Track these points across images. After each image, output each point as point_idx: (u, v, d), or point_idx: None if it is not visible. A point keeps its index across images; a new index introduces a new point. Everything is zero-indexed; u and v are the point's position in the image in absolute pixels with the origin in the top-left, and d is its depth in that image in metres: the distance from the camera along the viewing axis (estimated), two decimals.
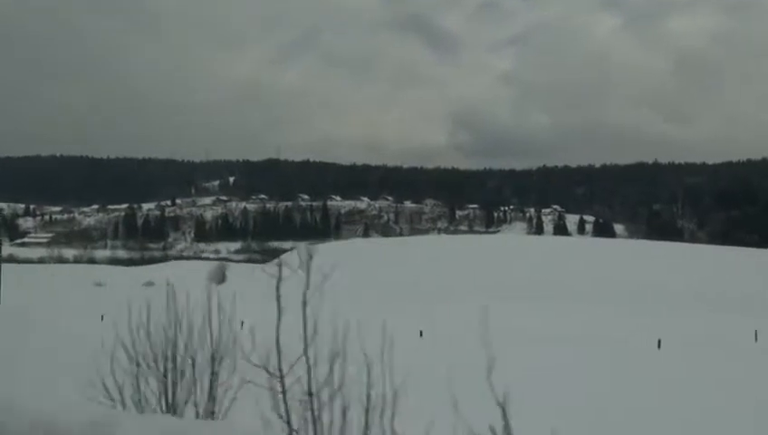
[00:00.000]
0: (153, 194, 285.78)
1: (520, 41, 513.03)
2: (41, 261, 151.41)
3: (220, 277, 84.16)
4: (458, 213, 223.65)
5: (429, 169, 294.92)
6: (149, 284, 72.41)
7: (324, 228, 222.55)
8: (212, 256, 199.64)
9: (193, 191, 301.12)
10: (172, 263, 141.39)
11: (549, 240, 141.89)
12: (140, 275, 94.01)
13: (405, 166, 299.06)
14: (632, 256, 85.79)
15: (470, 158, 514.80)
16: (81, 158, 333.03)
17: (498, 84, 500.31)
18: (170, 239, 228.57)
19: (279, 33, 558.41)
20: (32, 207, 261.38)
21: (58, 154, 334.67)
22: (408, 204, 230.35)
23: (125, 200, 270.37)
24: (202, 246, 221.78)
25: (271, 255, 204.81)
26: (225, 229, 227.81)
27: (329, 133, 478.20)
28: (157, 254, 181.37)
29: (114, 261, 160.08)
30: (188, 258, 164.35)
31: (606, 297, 57.97)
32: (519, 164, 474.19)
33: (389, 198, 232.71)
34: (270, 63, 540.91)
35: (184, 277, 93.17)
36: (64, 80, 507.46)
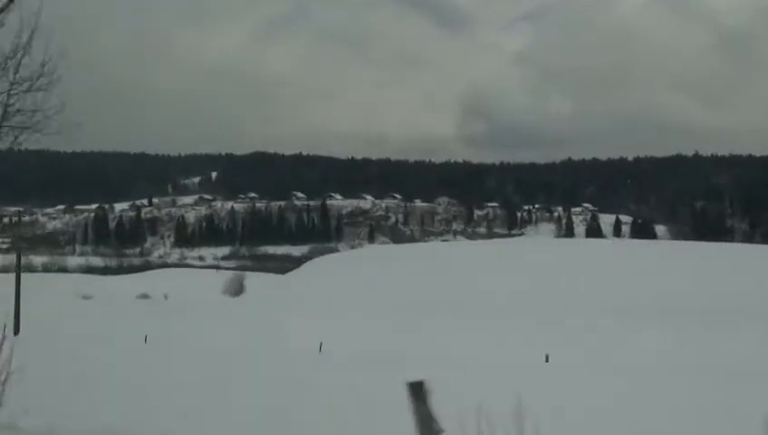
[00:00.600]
0: (125, 192, 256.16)
1: (536, 16, 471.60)
2: (4, 270, 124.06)
3: (237, 289, 70.79)
4: (477, 213, 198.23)
5: (438, 163, 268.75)
6: (144, 296, 68.27)
7: (324, 231, 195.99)
8: (197, 262, 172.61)
9: (170, 189, 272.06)
10: (159, 272, 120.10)
11: (617, 245, 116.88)
12: (127, 285, 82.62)
13: (411, 159, 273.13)
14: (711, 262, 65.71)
15: (482, 150, 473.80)
16: (40, 151, 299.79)
17: (512, 66, 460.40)
18: (147, 244, 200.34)
19: (261, 7, 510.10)
20: None
21: (15, 148, 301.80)
22: (418, 203, 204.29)
23: (93, 200, 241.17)
24: (184, 251, 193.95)
25: (262, 260, 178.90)
26: (209, 233, 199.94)
27: (321, 123, 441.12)
28: (135, 261, 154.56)
29: (90, 269, 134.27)
30: (176, 266, 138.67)
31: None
32: (538, 157, 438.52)
33: (397, 196, 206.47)
34: (251, 43, 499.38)
35: (182, 289, 72.79)
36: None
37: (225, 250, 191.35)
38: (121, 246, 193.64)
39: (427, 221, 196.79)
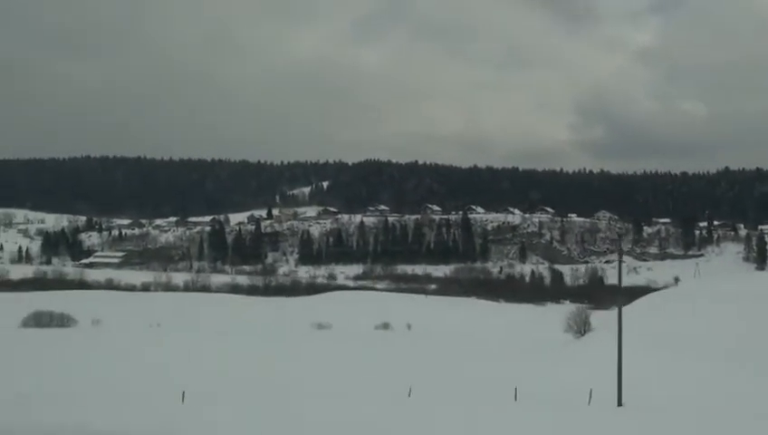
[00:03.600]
0: (227, 203, 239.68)
1: (666, 8, 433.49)
2: (144, 288, 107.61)
3: (581, 326, 50.66)
4: (646, 230, 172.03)
5: (572, 173, 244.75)
6: (384, 326, 59.29)
7: (467, 250, 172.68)
8: (345, 282, 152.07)
9: (278, 199, 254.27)
10: (337, 295, 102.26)
11: None
12: (301, 310, 70.42)
13: (539, 168, 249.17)
14: None
15: (602, 158, 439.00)
16: (134, 160, 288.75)
17: (637, 64, 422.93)
18: (269, 260, 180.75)
19: (356, 3, 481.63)
20: (94, 219, 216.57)
21: (109, 155, 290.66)
22: (573, 218, 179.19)
23: (194, 209, 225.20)
24: (310, 269, 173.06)
25: (401, 281, 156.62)
26: (337, 249, 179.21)
27: (419, 127, 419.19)
28: (281, 281, 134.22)
29: (235, 289, 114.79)
30: (346, 288, 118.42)
31: None
32: (664, 166, 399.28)
33: (549, 209, 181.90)
34: (344, 42, 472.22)
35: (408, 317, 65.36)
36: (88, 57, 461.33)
37: (355, 268, 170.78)
38: (242, 261, 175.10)
39: (587, 239, 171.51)
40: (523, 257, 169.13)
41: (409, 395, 22.68)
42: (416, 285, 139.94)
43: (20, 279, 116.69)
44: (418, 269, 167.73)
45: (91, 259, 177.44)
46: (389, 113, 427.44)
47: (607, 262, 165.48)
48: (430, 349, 40.49)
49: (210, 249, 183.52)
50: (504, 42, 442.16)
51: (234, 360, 31.68)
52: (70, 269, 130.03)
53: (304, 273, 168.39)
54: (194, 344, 36.00)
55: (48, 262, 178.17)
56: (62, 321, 53.27)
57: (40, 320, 52.71)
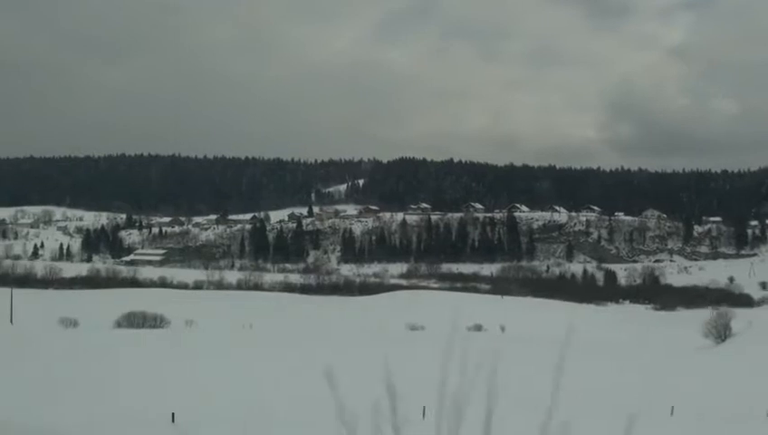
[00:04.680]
0: (263, 200, 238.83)
1: (699, 3, 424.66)
2: (197, 286, 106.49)
3: (722, 331, 46.22)
4: (696, 229, 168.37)
5: (611, 171, 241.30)
6: (476, 328, 57.03)
7: (512, 248, 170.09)
8: (382, 280, 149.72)
9: (313, 197, 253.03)
10: (395, 295, 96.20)
11: None
12: (380, 311, 69.48)
13: (575, 166, 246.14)
14: None
15: (632, 156, 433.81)
16: (168, 158, 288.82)
17: (669, 61, 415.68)
18: (311, 258, 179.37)
19: (387, 2, 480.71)
20: (133, 217, 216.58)
21: (144, 153, 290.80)
22: (620, 216, 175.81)
23: (229, 207, 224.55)
24: (353, 267, 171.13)
25: (448, 280, 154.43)
26: (379, 247, 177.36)
27: (448, 125, 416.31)
28: (333, 279, 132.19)
29: (288, 287, 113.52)
30: (399, 287, 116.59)
31: None
32: (696, 164, 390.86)
33: (595, 208, 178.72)
34: (373, 41, 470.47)
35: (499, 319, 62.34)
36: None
37: (399, 267, 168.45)
38: (283, 259, 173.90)
39: (636, 238, 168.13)
40: (570, 256, 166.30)
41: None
42: (465, 284, 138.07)
43: (72, 277, 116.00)
44: (463, 268, 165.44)
45: (131, 257, 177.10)
46: (419, 111, 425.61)
47: (656, 261, 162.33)
48: (557, 356, 37.94)
49: (252, 247, 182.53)
50: (534, 39, 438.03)
51: (407, 367, 29.62)
52: (122, 267, 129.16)
53: (347, 271, 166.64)
54: (340, 353, 33.25)
55: (89, 259, 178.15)
56: (154, 321, 51.76)
57: (133, 321, 51.26)
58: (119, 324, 50.63)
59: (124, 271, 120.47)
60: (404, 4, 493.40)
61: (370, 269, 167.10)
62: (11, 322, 49.41)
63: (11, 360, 25.02)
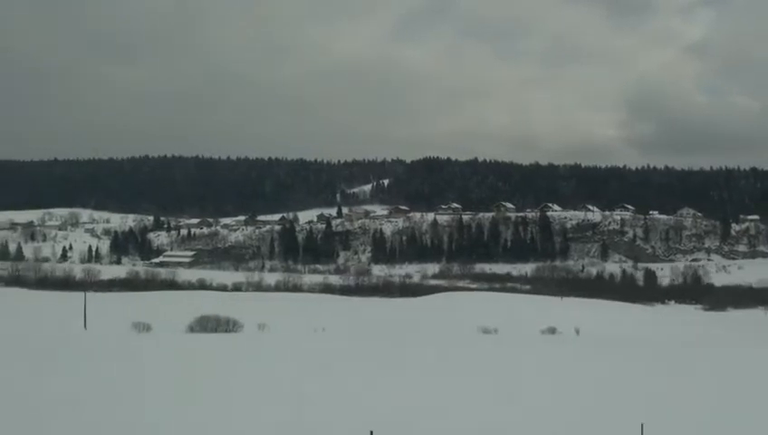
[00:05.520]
0: (288, 201, 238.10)
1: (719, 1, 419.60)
2: (236, 288, 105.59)
3: None
4: (734, 227, 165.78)
5: (637, 169, 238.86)
6: (550, 331, 53.71)
7: (546, 248, 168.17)
8: (440, 282, 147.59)
9: (338, 198, 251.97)
10: (450, 296, 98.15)
11: None
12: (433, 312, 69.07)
13: (601, 165, 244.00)
14: None
15: (653, 154, 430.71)
16: (192, 159, 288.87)
17: (688, 58, 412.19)
18: (341, 259, 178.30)
19: (406, 1, 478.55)
20: (161, 218, 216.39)
21: (167, 154, 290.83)
22: (655, 215, 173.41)
23: (255, 208, 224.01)
24: (384, 268, 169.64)
25: (481, 280, 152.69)
26: (410, 247, 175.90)
27: (469, 124, 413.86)
28: (368, 281, 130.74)
29: (327, 289, 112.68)
30: (439, 289, 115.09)
31: None
32: (718, 161, 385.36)
33: (629, 206, 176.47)
34: (391, 40, 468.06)
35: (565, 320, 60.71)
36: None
37: (431, 267, 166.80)
38: (313, 260, 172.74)
39: (672, 237, 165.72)
40: (604, 256, 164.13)
41: None
42: (503, 285, 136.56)
43: (110, 279, 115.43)
44: (496, 268, 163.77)
45: (161, 258, 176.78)
46: (439, 111, 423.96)
47: (693, 260, 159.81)
48: (661, 363, 35.70)
49: (281, 248, 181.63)
50: (552, 37, 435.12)
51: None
52: (160, 269, 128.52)
53: (379, 271, 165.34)
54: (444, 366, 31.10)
55: (118, 261, 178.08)
56: (227, 325, 50.41)
57: (206, 325, 49.91)
58: (191, 329, 49.31)
59: (162, 273, 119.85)
60: (423, 4, 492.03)
61: (402, 270, 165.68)
62: (84, 327, 48.22)
63: (140, 372, 23.55)
